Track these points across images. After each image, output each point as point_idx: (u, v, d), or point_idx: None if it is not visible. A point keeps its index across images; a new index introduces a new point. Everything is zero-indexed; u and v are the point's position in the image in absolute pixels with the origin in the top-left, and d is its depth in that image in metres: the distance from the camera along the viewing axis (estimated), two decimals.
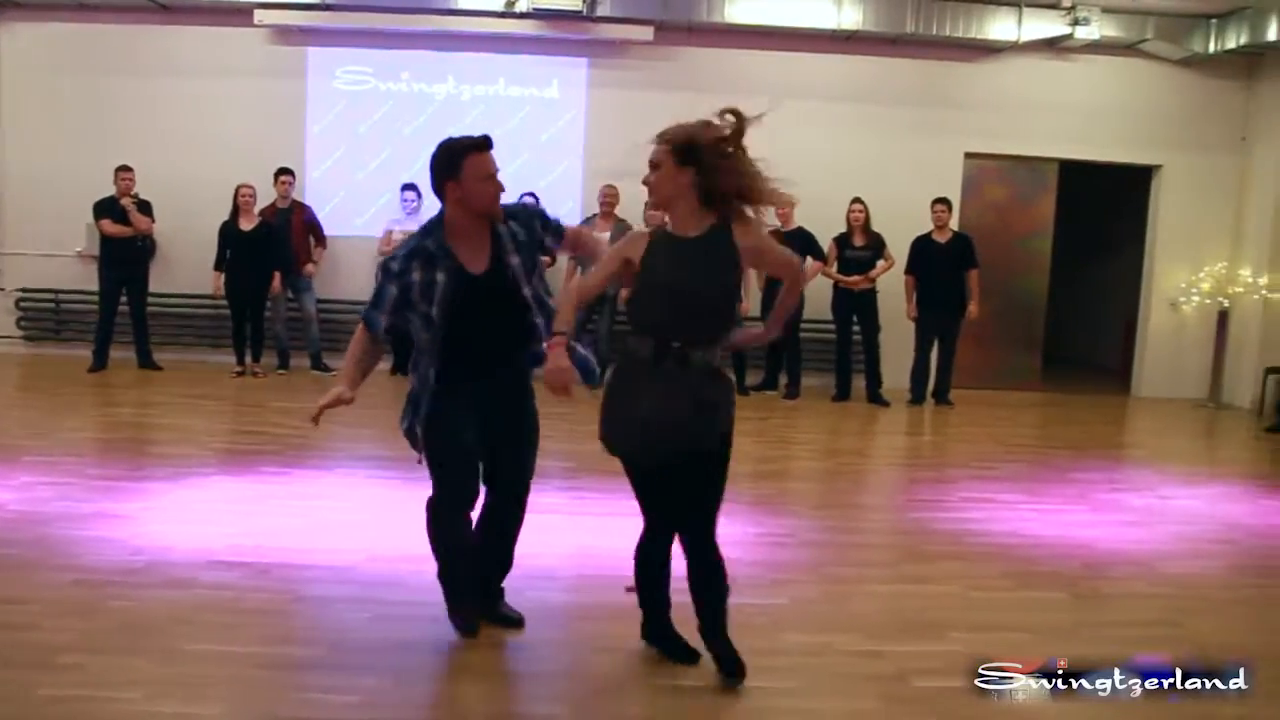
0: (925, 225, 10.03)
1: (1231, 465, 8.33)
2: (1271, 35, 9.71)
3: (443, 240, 3.56)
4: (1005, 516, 5.97)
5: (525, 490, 3.87)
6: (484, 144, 3.53)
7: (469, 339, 3.59)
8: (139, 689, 3.32)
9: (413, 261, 3.55)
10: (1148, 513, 6.27)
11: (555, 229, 3.78)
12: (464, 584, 3.87)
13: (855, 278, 9.82)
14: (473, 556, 3.85)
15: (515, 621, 3.94)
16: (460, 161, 3.49)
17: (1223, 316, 10.83)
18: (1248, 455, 8.77)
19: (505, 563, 3.98)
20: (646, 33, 10.36)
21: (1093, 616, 4.45)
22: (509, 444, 3.79)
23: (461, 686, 3.48)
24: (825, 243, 9.84)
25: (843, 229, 9.94)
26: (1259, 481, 7.46)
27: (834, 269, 9.90)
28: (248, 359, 9.95)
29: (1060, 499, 6.50)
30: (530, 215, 3.75)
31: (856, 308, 9.90)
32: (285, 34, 10.61)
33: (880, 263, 9.88)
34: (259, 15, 10.27)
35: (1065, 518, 6.05)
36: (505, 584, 4.00)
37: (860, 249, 9.87)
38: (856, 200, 9.85)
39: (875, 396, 9.87)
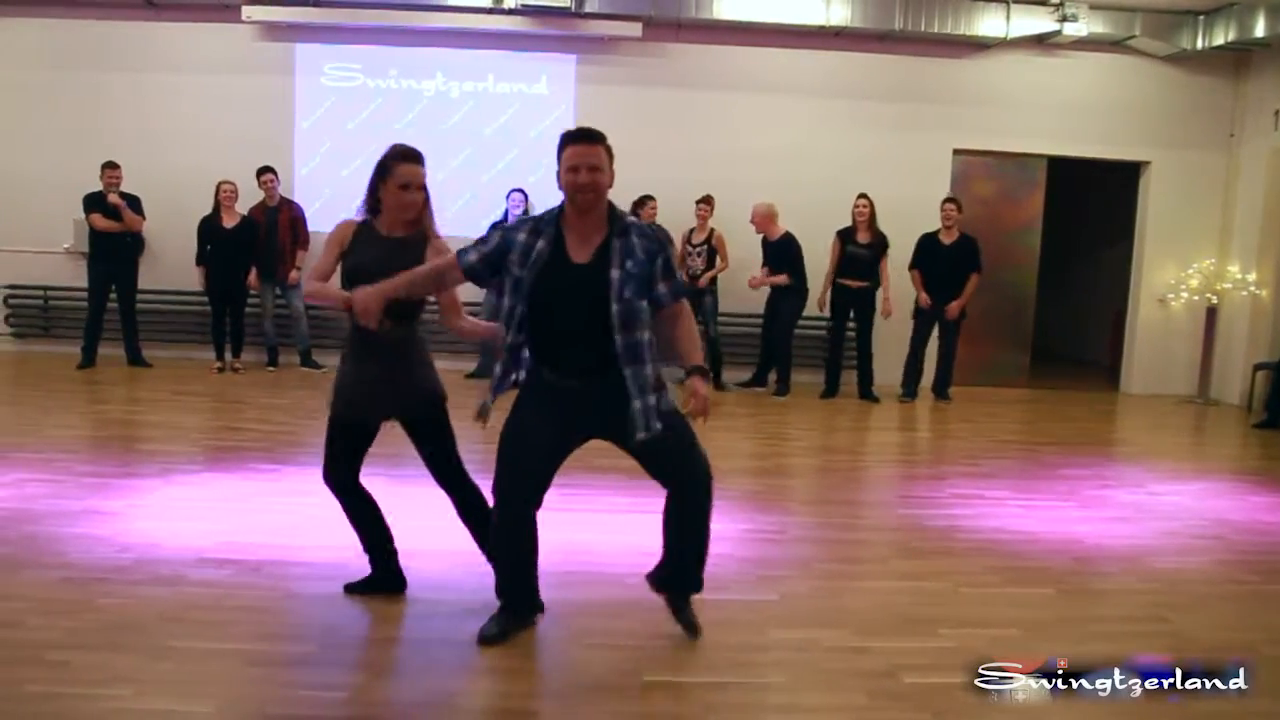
0: (915, 221, 10.04)
1: (1220, 461, 8.36)
2: (1259, 32, 9.75)
3: (557, 221, 3.63)
4: (995, 513, 5.99)
5: (686, 477, 3.69)
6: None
7: (548, 325, 3.61)
8: (128, 686, 3.31)
9: (524, 225, 3.69)
10: (1136, 509, 6.30)
11: (674, 286, 3.64)
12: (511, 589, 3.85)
13: (824, 285, 9.86)
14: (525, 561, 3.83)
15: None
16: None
17: (1211, 313, 10.87)
18: (1236, 451, 8.81)
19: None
20: (635, 29, 10.36)
21: (1081, 612, 4.46)
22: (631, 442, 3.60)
23: (449, 683, 3.48)
24: (823, 237, 9.82)
25: (833, 224, 9.92)
26: (1247, 477, 7.49)
27: (836, 264, 9.85)
28: (227, 355, 9.94)
29: (1049, 495, 6.52)
30: (659, 247, 3.62)
31: (854, 304, 9.87)
32: (273, 30, 10.58)
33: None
34: (246, 11, 10.25)
35: (1054, 514, 6.06)
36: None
37: (862, 246, 9.80)
38: (862, 196, 9.80)
39: (866, 393, 9.89)
